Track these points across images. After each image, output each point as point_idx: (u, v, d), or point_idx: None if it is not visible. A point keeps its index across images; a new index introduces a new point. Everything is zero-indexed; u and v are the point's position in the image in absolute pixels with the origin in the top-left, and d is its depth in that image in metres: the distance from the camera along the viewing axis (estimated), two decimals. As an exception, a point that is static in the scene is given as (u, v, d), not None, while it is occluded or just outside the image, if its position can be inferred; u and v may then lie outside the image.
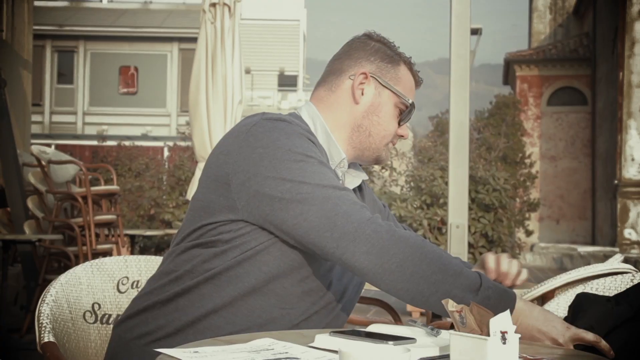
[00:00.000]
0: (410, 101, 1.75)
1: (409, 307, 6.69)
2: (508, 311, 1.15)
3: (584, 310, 1.54)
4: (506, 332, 1.13)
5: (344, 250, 1.45)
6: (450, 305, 1.20)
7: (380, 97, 1.73)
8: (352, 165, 1.80)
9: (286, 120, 1.61)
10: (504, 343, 1.13)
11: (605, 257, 14.58)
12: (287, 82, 30.66)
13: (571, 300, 1.60)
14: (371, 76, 1.73)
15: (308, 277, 1.59)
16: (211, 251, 1.58)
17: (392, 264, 1.43)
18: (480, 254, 7.22)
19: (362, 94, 1.72)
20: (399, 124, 1.76)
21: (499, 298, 1.44)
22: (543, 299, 2.57)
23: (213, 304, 1.56)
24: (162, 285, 1.63)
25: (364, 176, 1.81)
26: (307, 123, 1.71)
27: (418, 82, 1.81)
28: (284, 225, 1.52)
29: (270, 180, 1.51)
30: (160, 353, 1.29)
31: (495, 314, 1.32)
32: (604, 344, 1.39)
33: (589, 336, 1.40)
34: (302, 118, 1.72)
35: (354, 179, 1.78)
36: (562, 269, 14.52)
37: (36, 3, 8.93)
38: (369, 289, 3.23)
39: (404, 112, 1.75)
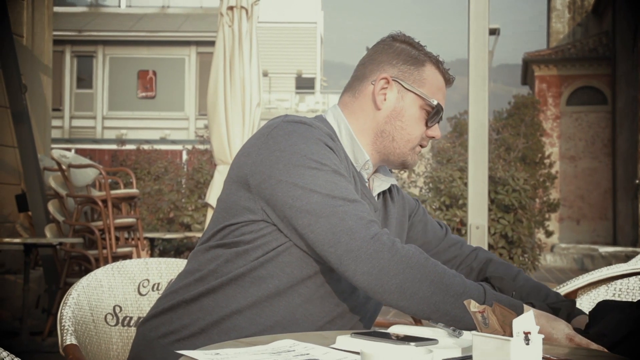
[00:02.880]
0: (435, 102, 1.70)
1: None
2: (532, 311, 1.14)
3: (601, 317, 1.52)
4: (529, 332, 1.12)
5: (346, 268, 1.46)
6: (473, 306, 1.19)
7: (404, 100, 1.70)
8: (381, 169, 1.79)
9: (307, 123, 1.60)
10: (527, 344, 1.12)
11: (627, 258, 14.45)
12: (304, 84, 30.68)
13: (594, 304, 1.59)
14: (393, 80, 1.70)
15: (332, 278, 1.58)
16: (234, 251, 1.58)
17: (392, 285, 1.44)
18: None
19: (385, 99, 1.70)
20: (427, 126, 1.72)
21: (507, 303, 1.46)
22: (565, 300, 2.55)
23: (237, 305, 1.56)
24: (186, 285, 1.63)
25: (393, 181, 1.80)
26: (332, 126, 1.71)
27: (448, 80, 1.76)
28: (293, 232, 1.53)
29: (283, 184, 1.51)
30: (181, 355, 1.29)
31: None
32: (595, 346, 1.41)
33: (592, 346, 1.41)
34: (327, 121, 1.72)
35: (382, 183, 1.77)
36: (583, 270, 14.41)
37: (56, 9, 9.00)
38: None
39: (431, 114, 1.71)
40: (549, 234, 15.79)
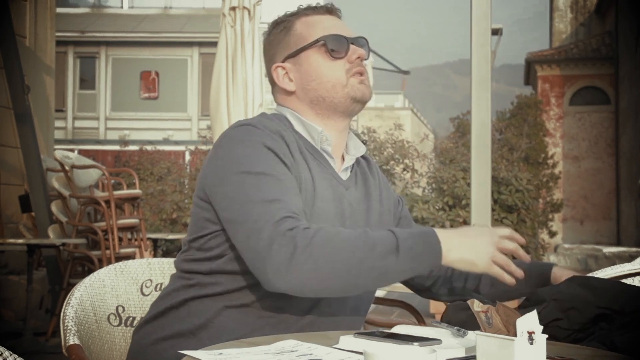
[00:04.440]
0: (317, 38, 1.68)
1: (433, 309, 6.66)
2: (535, 311, 1.14)
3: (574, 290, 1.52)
4: (533, 332, 1.12)
5: (257, 273, 1.46)
6: (476, 306, 1.18)
7: (301, 65, 1.71)
8: (350, 143, 1.77)
9: (252, 124, 1.61)
10: (531, 343, 1.11)
11: (630, 258, 14.43)
12: (307, 85, 30.66)
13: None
14: (281, 62, 1.73)
15: None
16: (208, 267, 1.61)
17: (305, 276, 1.41)
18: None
19: (290, 80, 1.73)
20: (339, 58, 1.69)
21: (422, 241, 1.45)
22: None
23: (224, 304, 1.58)
24: (175, 290, 1.65)
25: (362, 151, 1.78)
26: (285, 116, 1.73)
27: (321, 10, 1.74)
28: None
29: (218, 195, 1.55)
30: (184, 355, 1.29)
31: (426, 256, 1.42)
32: (522, 253, 1.52)
33: (510, 246, 1.51)
34: (280, 114, 1.74)
35: (351, 158, 1.76)
36: (587, 270, 14.38)
37: (58, 10, 9.01)
38: (392, 290, 3.22)
39: (328, 49, 1.69)
40: (552, 234, 15.77)
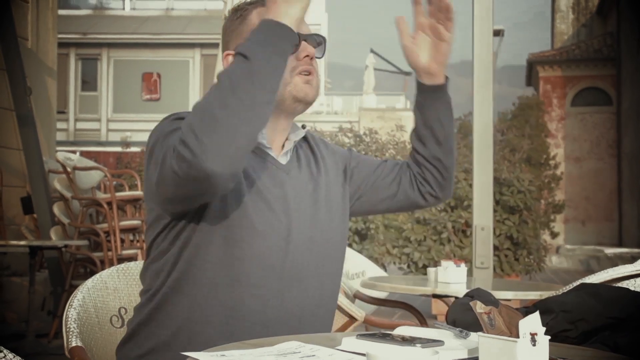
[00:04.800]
0: None
1: (434, 310, 6.66)
2: (537, 313, 1.14)
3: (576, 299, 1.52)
4: (536, 333, 1.12)
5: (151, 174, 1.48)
6: (479, 307, 1.18)
7: None
8: (291, 132, 1.72)
9: (177, 114, 1.60)
10: (534, 345, 1.11)
11: (632, 259, 14.41)
12: (308, 86, 30.66)
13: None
14: (231, 51, 1.67)
15: (232, 238, 1.56)
16: (162, 262, 1.61)
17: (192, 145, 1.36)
18: (506, 256, 7.16)
19: None
20: (291, 54, 1.62)
21: (259, 31, 1.43)
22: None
23: (187, 310, 1.58)
24: (141, 306, 1.66)
25: (300, 134, 1.73)
26: None
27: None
28: (158, 201, 1.55)
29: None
30: (187, 357, 1.29)
31: (270, 34, 1.41)
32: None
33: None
34: None
35: (290, 142, 1.71)
36: (589, 271, 14.38)
37: (60, 11, 9.02)
38: (393, 292, 3.22)
39: None
40: (554, 235, 15.76)
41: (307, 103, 1.66)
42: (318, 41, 1.68)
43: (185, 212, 1.56)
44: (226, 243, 1.56)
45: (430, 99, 1.77)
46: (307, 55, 1.64)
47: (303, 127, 1.79)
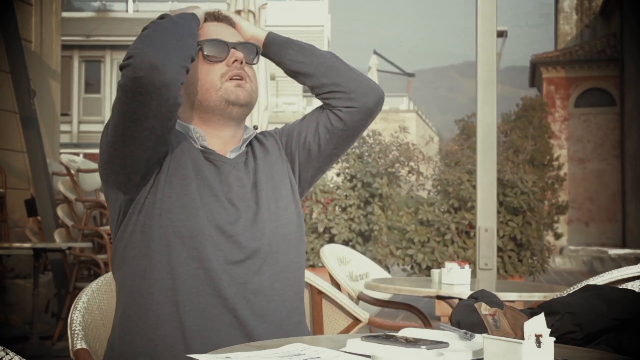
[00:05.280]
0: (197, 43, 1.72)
1: (438, 312, 6.65)
2: (542, 314, 1.14)
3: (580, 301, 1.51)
4: (541, 335, 1.12)
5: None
6: (484, 309, 1.18)
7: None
8: (244, 133, 1.81)
9: None
10: (539, 346, 1.11)
11: (636, 260, 14.39)
12: (312, 88, 30.65)
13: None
14: None
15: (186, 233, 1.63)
16: (128, 286, 1.69)
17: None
18: (510, 257, 7.15)
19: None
20: (215, 61, 1.73)
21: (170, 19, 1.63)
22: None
23: (156, 316, 1.62)
24: (115, 320, 1.73)
25: (249, 132, 1.81)
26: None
27: (210, 17, 1.81)
28: (116, 170, 1.65)
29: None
30: (192, 359, 1.29)
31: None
32: None
33: None
34: None
35: (241, 142, 1.79)
36: (593, 272, 14.36)
37: (64, 14, 9.04)
38: (397, 293, 3.22)
39: (204, 54, 1.73)
40: (557, 236, 15.73)
41: (241, 105, 1.73)
42: (248, 49, 1.78)
43: (135, 179, 1.63)
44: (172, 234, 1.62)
45: (275, 54, 1.83)
46: (236, 60, 1.73)
47: (255, 127, 1.86)
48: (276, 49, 1.82)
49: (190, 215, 1.62)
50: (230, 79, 1.72)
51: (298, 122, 1.88)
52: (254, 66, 1.81)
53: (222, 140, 1.75)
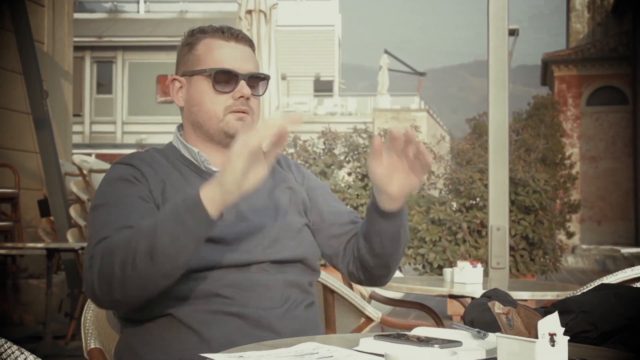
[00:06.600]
0: (207, 69, 1.69)
1: (450, 311, 6.64)
2: (557, 313, 1.14)
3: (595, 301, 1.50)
4: (555, 334, 1.11)
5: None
6: (497, 308, 1.18)
7: (191, 86, 1.73)
8: None
9: (121, 162, 1.69)
10: (553, 345, 1.11)
11: (649, 259, 14.31)
12: (323, 87, 30.71)
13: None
14: (181, 76, 1.75)
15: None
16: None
17: (112, 292, 1.46)
18: (522, 256, 7.13)
19: (180, 96, 1.75)
20: (222, 92, 1.69)
21: (185, 209, 1.42)
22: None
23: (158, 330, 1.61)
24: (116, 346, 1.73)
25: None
26: (173, 145, 1.77)
27: (225, 36, 1.73)
28: None
29: None
30: (205, 358, 1.29)
31: (193, 220, 1.40)
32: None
33: (254, 139, 1.38)
34: (170, 143, 1.79)
35: None
36: (606, 271, 14.29)
37: (76, 15, 9.08)
38: (409, 292, 3.21)
39: (216, 81, 1.69)
40: (570, 235, 15.67)
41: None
42: (261, 79, 1.74)
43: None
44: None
45: (382, 221, 1.67)
46: (242, 97, 1.69)
47: None
48: (390, 219, 1.65)
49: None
50: (233, 112, 1.70)
51: (335, 210, 1.83)
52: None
53: (220, 155, 1.73)
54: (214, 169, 1.71)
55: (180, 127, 1.81)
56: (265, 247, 1.66)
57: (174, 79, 1.76)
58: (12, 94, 6.98)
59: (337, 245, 1.80)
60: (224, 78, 1.69)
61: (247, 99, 1.70)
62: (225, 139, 1.70)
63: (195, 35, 1.76)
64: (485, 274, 4.53)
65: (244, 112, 1.70)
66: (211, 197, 1.41)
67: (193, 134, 1.75)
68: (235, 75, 1.69)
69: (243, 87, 1.69)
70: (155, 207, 1.61)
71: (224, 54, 1.71)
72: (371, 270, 1.76)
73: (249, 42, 1.76)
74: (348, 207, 1.89)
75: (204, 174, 1.70)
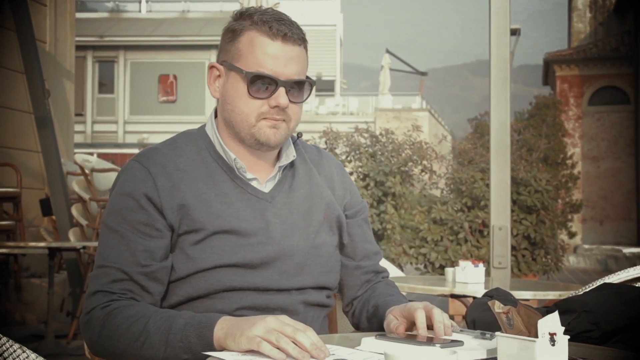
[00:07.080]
0: (246, 72, 1.55)
1: (452, 311, 6.64)
2: (557, 312, 1.14)
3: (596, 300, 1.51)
4: (555, 333, 1.11)
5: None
6: (497, 307, 1.18)
7: (228, 81, 1.60)
8: (283, 150, 1.68)
9: (139, 160, 1.59)
10: (553, 345, 1.11)
11: (651, 259, 14.30)
12: (324, 87, 30.69)
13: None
14: (220, 64, 1.63)
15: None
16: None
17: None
18: (523, 256, 7.12)
19: (217, 87, 1.63)
20: (257, 97, 1.56)
21: (197, 330, 1.38)
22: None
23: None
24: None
25: (291, 156, 1.68)
26: (208, 136, 1.66)
27: (275, 36, 1.56)
28: None
29: None
30: (209, 356, 1.30)
31: (194, 344, 1.36)
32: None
33: (270, 337, 1.28)
34: (204, 131, 1.68)
35: (286, 160, 1.67)
36: (607, 271, 14.28)
37: (77, 15, 9.09)
38: (411, 292, 3.21)
39: (252, 84, 1.55)
40: (571, 235, 15.65)
41: (270, 147, 1.61)
42: (302, 86, 1.60)
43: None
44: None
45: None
46: (277, 106, 1.57)
47: (299, 135, 1.74)
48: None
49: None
50: (266, 119, 1.58)
51: (362, 252, 1.79)
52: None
53: (257, 160, 1.65)
54: (249, 176, 1.62)
55: (215, 112, 1.69)
56: (290, 275, 1.59)
57: (214, 66, 1.63)
58: (14, 94, 6.99)
59: (351, 286, 1.79)
60: (260, 85, 1.55)
61: (283, 109, 1.57)
62: (255, 145, 1.61)
63: (241, 21, 1.60)
64: (487, 273, 4.54)
65: (276, 120, 1.58)
66: (220, 335, 1.36)
67: (226, 130, 1.64)
68: (275, 82, 1.55)
69: (280, 96, 1.56)
70: (156, 238, 1.53)
71: (266, 55, 1.56)
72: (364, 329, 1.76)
73: (298, 41, 1.60)
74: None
75: (237, 180, 1.61)
